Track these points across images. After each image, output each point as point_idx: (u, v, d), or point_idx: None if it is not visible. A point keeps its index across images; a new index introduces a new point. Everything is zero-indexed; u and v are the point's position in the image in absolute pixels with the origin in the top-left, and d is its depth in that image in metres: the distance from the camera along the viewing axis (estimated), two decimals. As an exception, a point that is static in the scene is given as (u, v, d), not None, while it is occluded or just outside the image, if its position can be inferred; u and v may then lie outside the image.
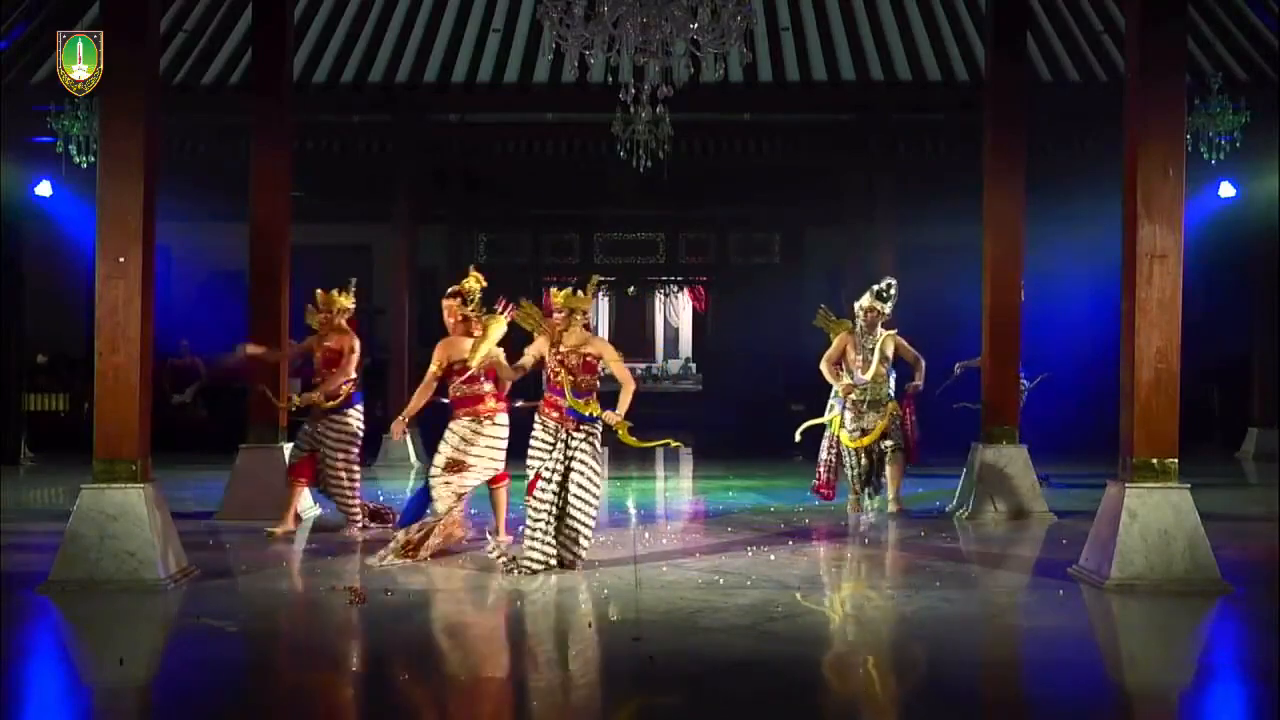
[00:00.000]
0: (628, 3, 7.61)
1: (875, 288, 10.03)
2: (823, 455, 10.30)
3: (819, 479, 10.31)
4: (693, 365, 29.08)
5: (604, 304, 30.72)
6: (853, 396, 9.86)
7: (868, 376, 9.79)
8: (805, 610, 6.68)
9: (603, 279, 8.60)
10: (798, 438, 10.28)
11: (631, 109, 8.82)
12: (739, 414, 17.63)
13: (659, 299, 30.07)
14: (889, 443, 9.85)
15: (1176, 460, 7.14)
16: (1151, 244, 7.12)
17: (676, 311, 30.50)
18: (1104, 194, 11.16)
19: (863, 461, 9.98)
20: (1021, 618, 6.60)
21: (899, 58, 14.40)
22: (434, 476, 7.82)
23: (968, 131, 13.64)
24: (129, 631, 6.28)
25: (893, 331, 10.00)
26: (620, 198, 17.23)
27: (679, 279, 25.32)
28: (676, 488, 13.04)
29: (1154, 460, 7.11)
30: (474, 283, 8.15)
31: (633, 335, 30.83)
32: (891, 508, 9.79)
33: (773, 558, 8.00)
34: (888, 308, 9.95)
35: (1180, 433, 7.20)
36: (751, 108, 15.22)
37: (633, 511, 10.42)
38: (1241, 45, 14.05)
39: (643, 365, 29.60)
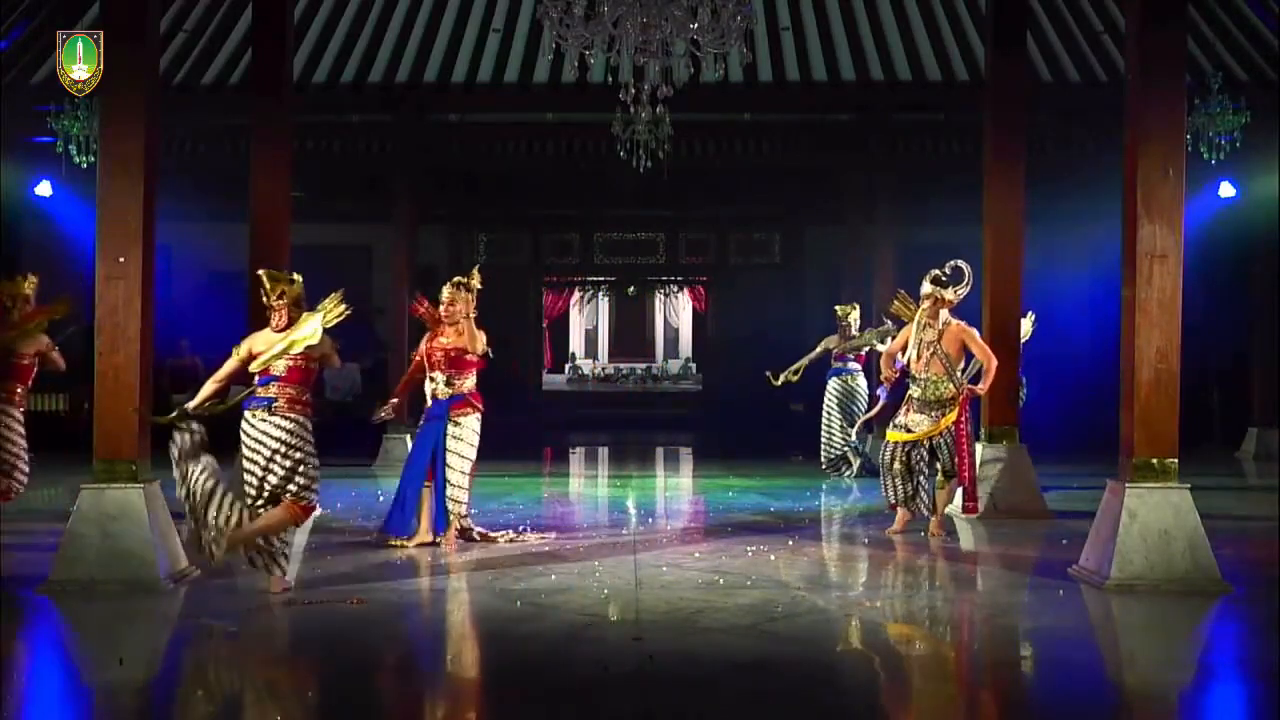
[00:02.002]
0: (628, 3, 7.62)
1: (934, 271, 8.87)
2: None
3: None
4: (693, 365, 29.10)
5: (604, 304, 30.76)
6: (910, 392, 8.85)
7: (905, 360, 8.84)
8: (805, 610, 6.67)
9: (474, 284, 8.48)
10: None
11: (631, 109, 8.81)
12: (739, 414, 17.64)
13: (659, 299, 30.10)
14: (940, 465, 8.76)
15: (1176, 460, 7.14)
16: (1151, 244, 7.12)
17: (676, 311, 30.53)
18: (1104, 194, 11.17)
19: (896, 464, 8.77)
20: (1021, 618, 6.60)
21: (899, 58, 14.41)
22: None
23: (968, 131, 13.67)
24: (129, 631, 6.28)
25: (960, 322, 8.80)
26: (620, 198, 17.24)
27: (679, 279, 25.36)
28: (676, 488, 13.03)
29: (1154, 460, 7.11)
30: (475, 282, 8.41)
31: (633, 335, 30.88)
32: (933, 529, 8.78)
33: (773, 558, 7.99)
34: (950, 293, 8.76)
35: (1180, 433, 7.20)
36: (751, 108, 15.22)
37: (632, 511, 10.41)
38: (1241, 45, 14.06)
39: (643, 365, 29.65)
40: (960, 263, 9.01)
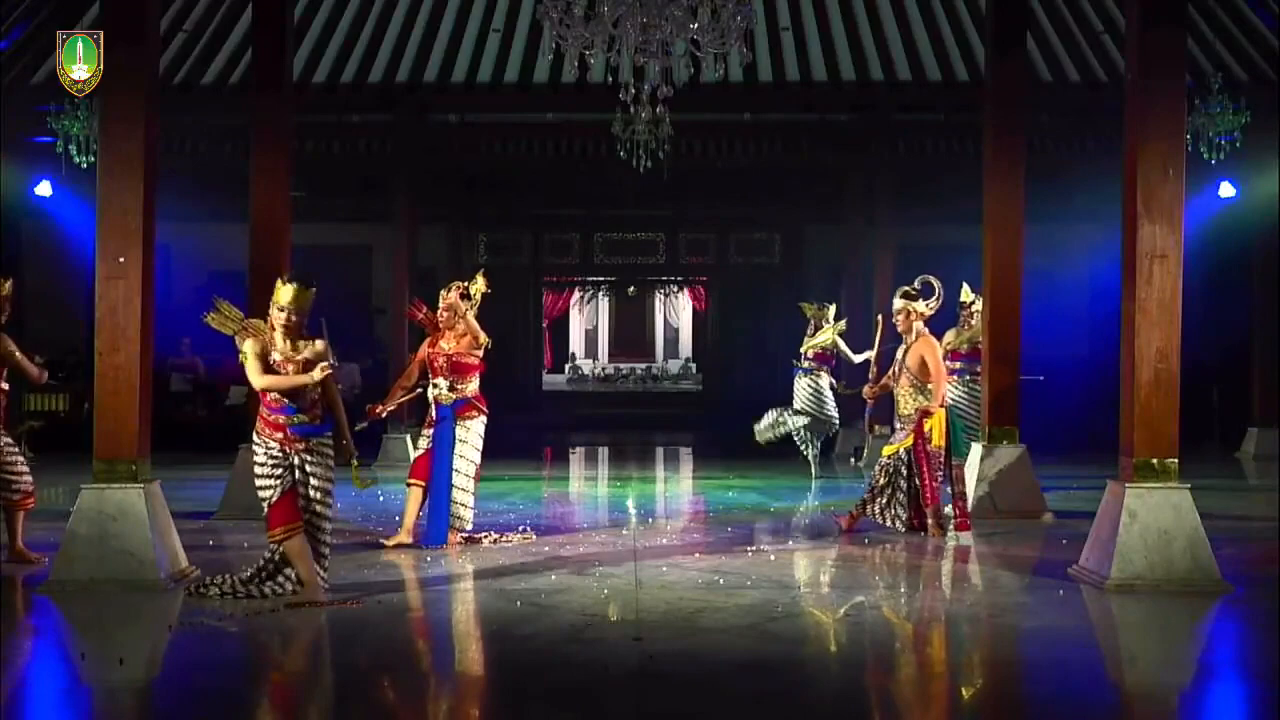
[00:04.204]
0: (628, 3, 7.60)
1: (904, 287, 9.01)
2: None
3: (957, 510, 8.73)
4: (693, 365, 29.10)
5: (604, 304, 30.77)
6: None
7: (874, 369, 8.97)
8: (805, 610, 6.68)
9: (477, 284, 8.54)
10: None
11: (631, 109, 8.82)
12: (739, 414, 17.62)
13: (659, 299, 30.11)
14: (918, 482, 8.72)
15: (1176, 460, 7.14)
16: (1151, 244, 7.12)
17: (676, 311, 30.54)
18: (1104, 194, 11.16)
19: (880, 476, 8.83)
20: (1021, 618, 6.59)
21: (899, 58, 14.40)
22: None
23: (968, 131, 13.67)
24: (129, 631, 6.28)
25: (926, 337, 8.83)
26: (620, 198, 17.24)
27: (679, 279, 25.37)
28: (676, 488, 13.03)
29: (1154, 460, 7.11)
30: (480, 286, 8.50)
31: (633, 335, 30.89)
32: (933, 529, 8.67)
33: (773, 558, 7.99)
34: (921, 306, 8.83)
35: (1180, 433, 7.20)
36: (751, 108, 15.22)
37: (633, 511, 10.41)
38: (1241, 45, 14.05)
39: (643, 365, 29.65)
40: (930, 277, 9.08)
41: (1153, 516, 7.00)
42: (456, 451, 8.24)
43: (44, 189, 14.59)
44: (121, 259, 7.08)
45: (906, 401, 8.80)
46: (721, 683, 5.31)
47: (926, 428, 8.64)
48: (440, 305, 8.39)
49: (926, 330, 8.87)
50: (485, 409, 8.44)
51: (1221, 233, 15.07)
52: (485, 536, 8.51)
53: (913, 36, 14.46)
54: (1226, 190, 14.94)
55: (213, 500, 9.74)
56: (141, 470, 7.09)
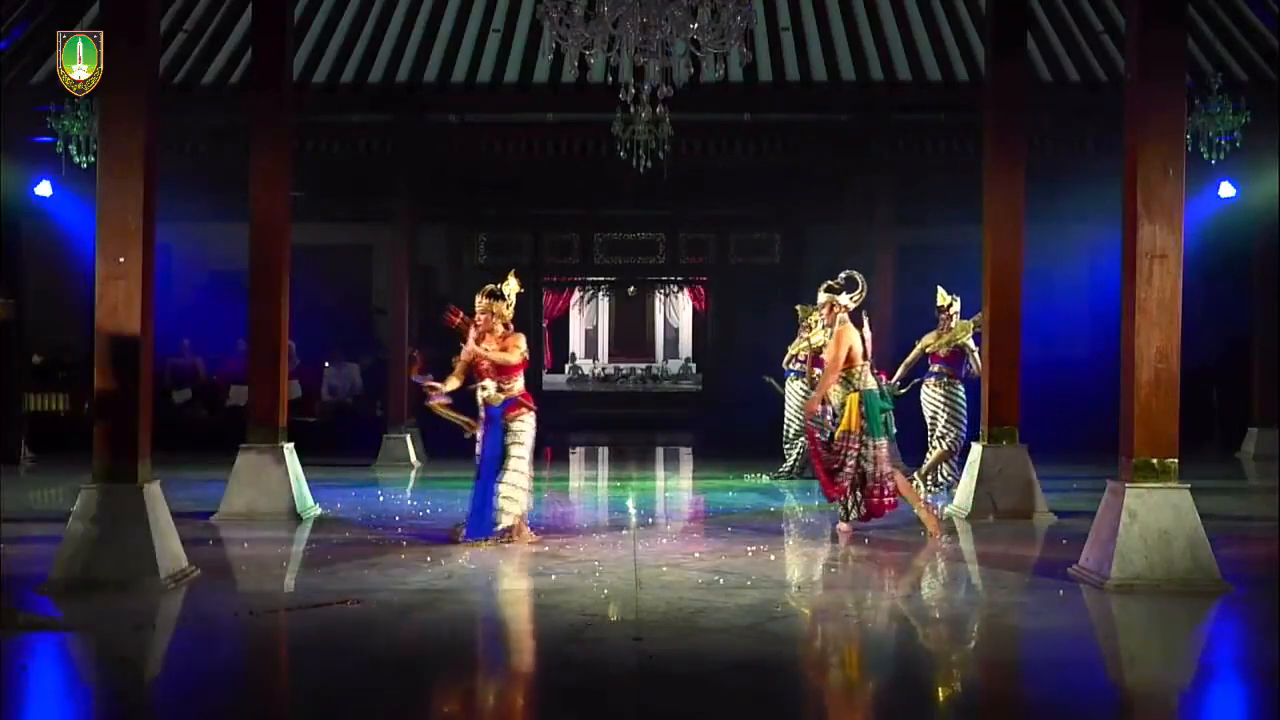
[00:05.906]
0: (628, 3, 7.61)
1: (829, 281, 9.21)
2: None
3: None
4: (693, 365, 29.10)
5: (604, 304, 30.76)
6: None
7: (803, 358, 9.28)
8: (805, 610, 6.68)
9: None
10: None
11: (631, 109, 8.84)
12: (739, 414, 17.64)
13: (659, 299, 30.11)
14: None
15: (1176, 460, 7.15)
16: (1151, 244, 7.13)
17: (676, 311, 30.53)
18: (1104, 194, 11.16)
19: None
20: (1021, 618, 6.59)
21: (899, 58, 14.39)
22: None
23: (968, 131, 13.66)
24: (129, 631, 6.28)
25: (842, 327, 8.94)
26: (620, 198, 17.23)
27: (679, 279, 25.36)
28: (676, 488, 13.03)
29: (1154, 460, 7.12)
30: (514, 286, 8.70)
31: (633, 335, 30.88)
32: (932, 530, 8.82)
33: (773, 558, 7.99)
34: (845, 299, 9.00)
35: (1180, 433, 7.20)
36: (751, 108, 15.21)
37: (632, 511, 10.41)
38: (1241, 45, 14.05)
39: (643, 365, 29.66)
40: (854, 272, 9.24)
41: (1153, 516, 7.01)
42: (510, 451, 8.43)
43: (44, 189, 14.58)
44: (121, 259, 7.08)
45: (835, 392, 8.97)
46: (721, 682, 5.31)
47: (846, 422, 8.79)
48: (478, 309, 8.54)
49: (849, 322, 8.98)
50: (533, 405, 8.66)
51: (1221, 233, 15.05)
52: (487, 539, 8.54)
53: (913, 36, 14.45)
54: (1226, 190, 14.92)
55: (213, 500, 9.74)
56: (142, 470, 7.09)
